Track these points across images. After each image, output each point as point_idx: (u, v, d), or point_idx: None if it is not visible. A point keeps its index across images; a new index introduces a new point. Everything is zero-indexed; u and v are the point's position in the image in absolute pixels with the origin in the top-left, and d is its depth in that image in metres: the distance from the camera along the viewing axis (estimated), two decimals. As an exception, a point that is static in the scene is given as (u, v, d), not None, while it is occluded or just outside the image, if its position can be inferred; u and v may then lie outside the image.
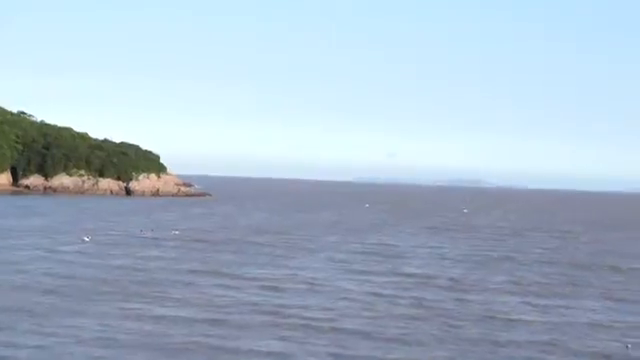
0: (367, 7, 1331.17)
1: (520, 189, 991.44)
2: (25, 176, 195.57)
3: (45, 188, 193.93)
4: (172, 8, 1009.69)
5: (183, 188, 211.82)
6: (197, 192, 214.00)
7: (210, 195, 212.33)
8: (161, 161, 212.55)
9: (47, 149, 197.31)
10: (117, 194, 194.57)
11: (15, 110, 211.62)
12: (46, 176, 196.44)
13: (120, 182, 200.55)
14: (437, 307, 44.57)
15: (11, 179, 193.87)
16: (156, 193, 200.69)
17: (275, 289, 49.32)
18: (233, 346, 34.10)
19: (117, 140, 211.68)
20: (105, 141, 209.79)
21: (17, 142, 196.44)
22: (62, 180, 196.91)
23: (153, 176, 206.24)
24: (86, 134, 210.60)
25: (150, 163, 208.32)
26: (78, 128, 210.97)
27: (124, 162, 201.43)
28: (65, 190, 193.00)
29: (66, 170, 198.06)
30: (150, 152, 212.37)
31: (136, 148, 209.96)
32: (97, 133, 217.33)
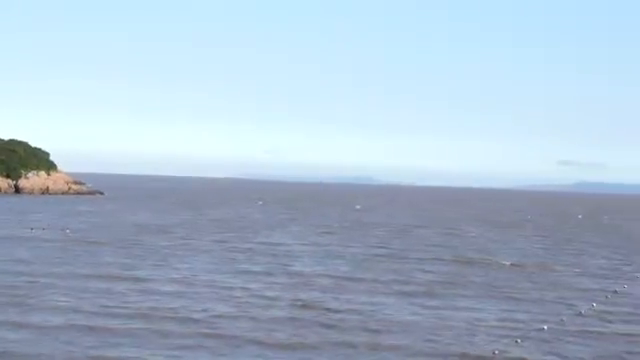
0: (239, 7, 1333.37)
1: (409, 186, 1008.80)
2: None
3: None
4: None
5: (74, 186, 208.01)
6: (88, 190, 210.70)
7: (102, 193, 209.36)
8: (52, 159, 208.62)
9: None
10: (6, 192, 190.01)
11: None
12: None
13: (9, 180, 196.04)
14: (320, 308, 44.05)
15: None
16: (46, 191, 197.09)
17: (148, 291, 47.78)
18: (113, 356, 32.53)
19: (5, 137, 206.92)
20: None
21: None
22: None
23: (43, 174, 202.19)
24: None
25: (40, 161, 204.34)
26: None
27: (12, 159, 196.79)
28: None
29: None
30: (40, 149, 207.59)
31: (25, 145, 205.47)
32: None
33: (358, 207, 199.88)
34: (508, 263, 71.19)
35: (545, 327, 40.72)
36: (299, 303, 45.57)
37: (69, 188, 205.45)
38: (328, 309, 43.99)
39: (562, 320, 42.94)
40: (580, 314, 45.44)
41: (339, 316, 42.12)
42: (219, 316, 41.08)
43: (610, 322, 43.69)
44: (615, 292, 54.78)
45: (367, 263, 67.54)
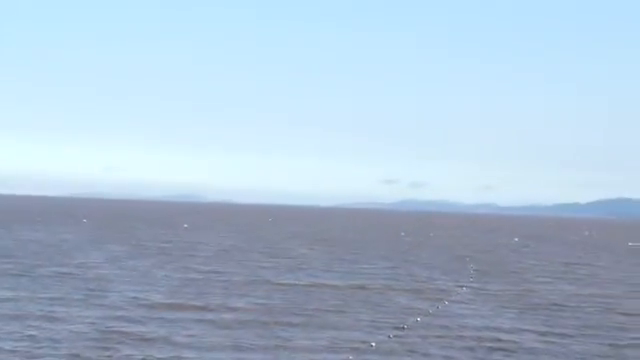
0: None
1: (238, 204, 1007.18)
2: None
3: None
4: None
5: None
6: None
7: None
8: None
9: None
10: None
11: None
12: None
13: None
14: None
15: None
16: None
17: None
18: None
19: None
20: None
21: None
22: None
23: None
24: None
25: None
26: None
27: None
28: None
29: None
30: None
31: None
32: None
33: (186, 226, 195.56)
34: (339, 283, 69.52)
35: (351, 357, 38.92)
36: (103, 335, 41.42)
37: None
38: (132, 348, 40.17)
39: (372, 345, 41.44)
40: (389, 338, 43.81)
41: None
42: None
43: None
44: (429, 313, 54.16)
45: (189, 288, 63.29)
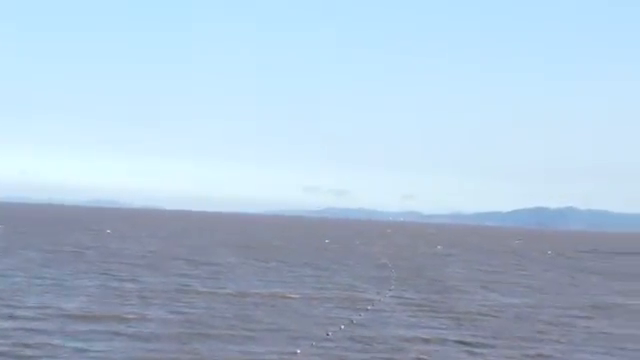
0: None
1: (164, 210, 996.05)
2: None
3: None
4: None
5: None
6: None
7: None
8: None
9: None
10: None
11: None
12: None
13: None
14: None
15: None
16: None
17: None
18: None
19: None
20: None
21: None
22: None
23: None
24: None
25: None
26: None
27: None
28: None
29: None
30: None
31: None
32: None
33: (109, 231, 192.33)
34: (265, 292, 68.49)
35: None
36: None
37: None
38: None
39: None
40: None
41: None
42: None
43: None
44: (352, 322, 53.49)
45: (104, 297, 61.19)
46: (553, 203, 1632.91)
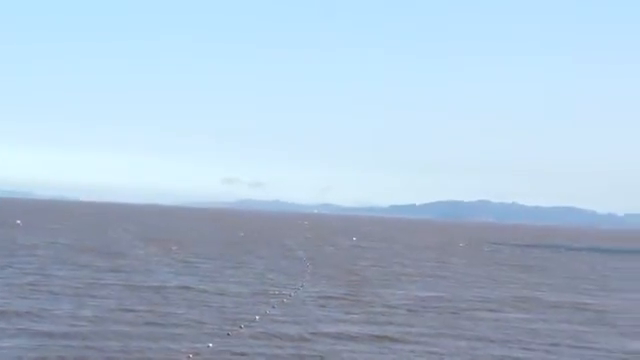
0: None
1: (75, 201, 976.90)
2: None
3: None
4: None
5: None
6: None
7: None
8: None
9: None
10: None
11: None
12: None
13: None
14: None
15: None
16: None
17: None
18: None
19: None
20: None
21: None
22: None
23: None
24: None
25: None
26: None
27: None
28: None
29: None
30: None
31: None
32: None
33: (19, 222, 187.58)
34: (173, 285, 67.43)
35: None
36: None
37: None
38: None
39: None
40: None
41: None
42: None
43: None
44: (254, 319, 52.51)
45: (16, 293, 59.11)
46: (466, 196, 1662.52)
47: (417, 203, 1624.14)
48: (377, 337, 47.81)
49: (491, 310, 64.22)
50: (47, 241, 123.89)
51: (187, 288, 67.31)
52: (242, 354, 40.51)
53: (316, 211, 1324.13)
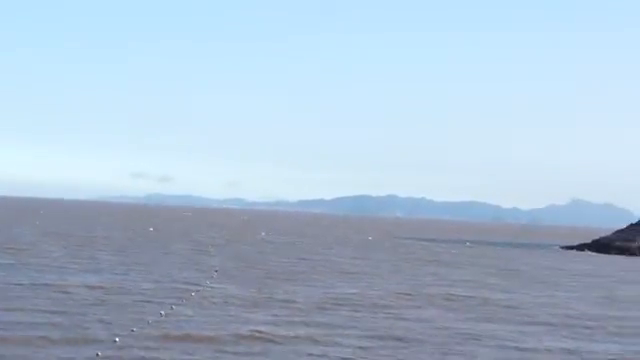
0: None
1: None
2: None
3: None
4: None
5: None
6: None
7: None
8: None
9: None
10: None
11: None
12: None
13: None
14: None
15: None
16: None
17: None
18: None
19: None
20: None
21: None
22: None
23: None
24: None
25: None
26: None
27: None
28: None
29: None
30: None
31: None
32: None
33: None
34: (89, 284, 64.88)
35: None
36: None
37: None
38: None
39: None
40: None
41: None
42: None
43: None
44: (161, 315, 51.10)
45: None
46: (375, 191, 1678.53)
47: (326, 198, 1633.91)
48: (284, 337, 46.78)
49: (406, 307, 63.99)
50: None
51: (88, 286, 64.68)
52: (143, 357, 38.93)
53: (225, 206, 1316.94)
